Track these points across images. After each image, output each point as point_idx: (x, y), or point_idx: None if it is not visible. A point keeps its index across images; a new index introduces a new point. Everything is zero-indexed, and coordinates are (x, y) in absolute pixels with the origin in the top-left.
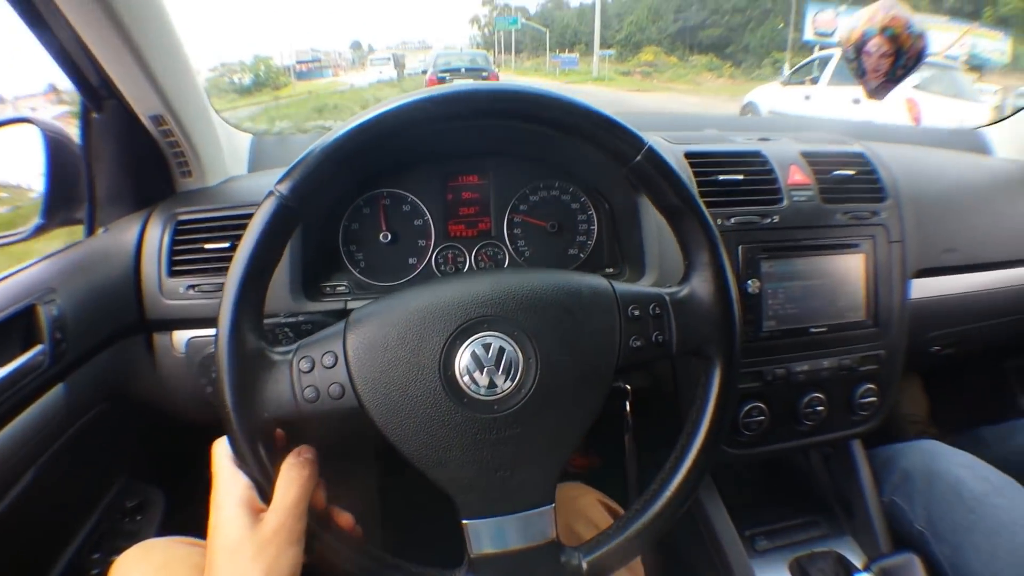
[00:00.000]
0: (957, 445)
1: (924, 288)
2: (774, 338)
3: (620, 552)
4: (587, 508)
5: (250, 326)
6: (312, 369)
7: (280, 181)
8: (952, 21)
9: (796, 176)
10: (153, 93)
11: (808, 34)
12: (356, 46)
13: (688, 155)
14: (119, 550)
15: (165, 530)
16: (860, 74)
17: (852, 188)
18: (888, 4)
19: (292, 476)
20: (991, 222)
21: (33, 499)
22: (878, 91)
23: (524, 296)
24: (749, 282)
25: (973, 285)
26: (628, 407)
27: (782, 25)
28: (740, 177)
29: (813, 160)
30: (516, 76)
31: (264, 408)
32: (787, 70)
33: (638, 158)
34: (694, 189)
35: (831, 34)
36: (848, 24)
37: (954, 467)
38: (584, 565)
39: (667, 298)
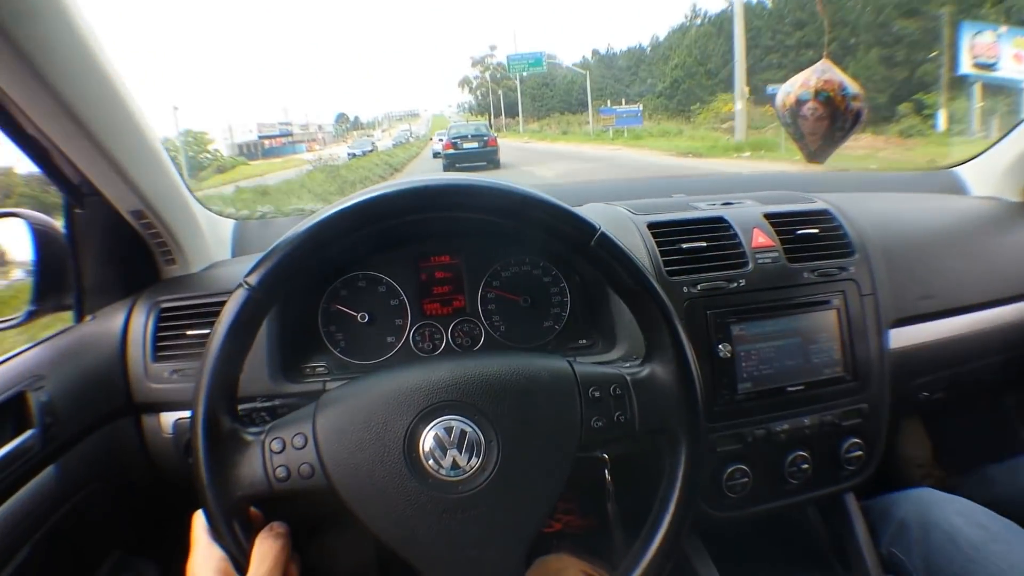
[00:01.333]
0: (965, 486)
1: (904, 337)
2: (751, 399)
3: None
4: None
5: (223, 409)
6: (283, 449)
7: (249, 273)
8: None
9: (760, 239)
10: (130, 191)
11: (965, 66)
12: (341, 119)
13: (651, 225)
14: None
15: None
16: (798, 137)
17: (818, 246)
18: (821, 68)
19: (265, 549)
20: (966, 264)
21: (28, 575)
22: (817, 154)
23: (483, 381)
24: (720, 346)
25: (955, 329)
26: (609, 476)
27: (936, 53)
28: (704, 244)
29: (776, 221)
30: (538, 142)
31: (238, 487)
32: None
33: (591, 244)
34: (649, 271)
35: (994, 65)
36: (784, 90)
37: (950, 515)
38: None
39: (628, 379)
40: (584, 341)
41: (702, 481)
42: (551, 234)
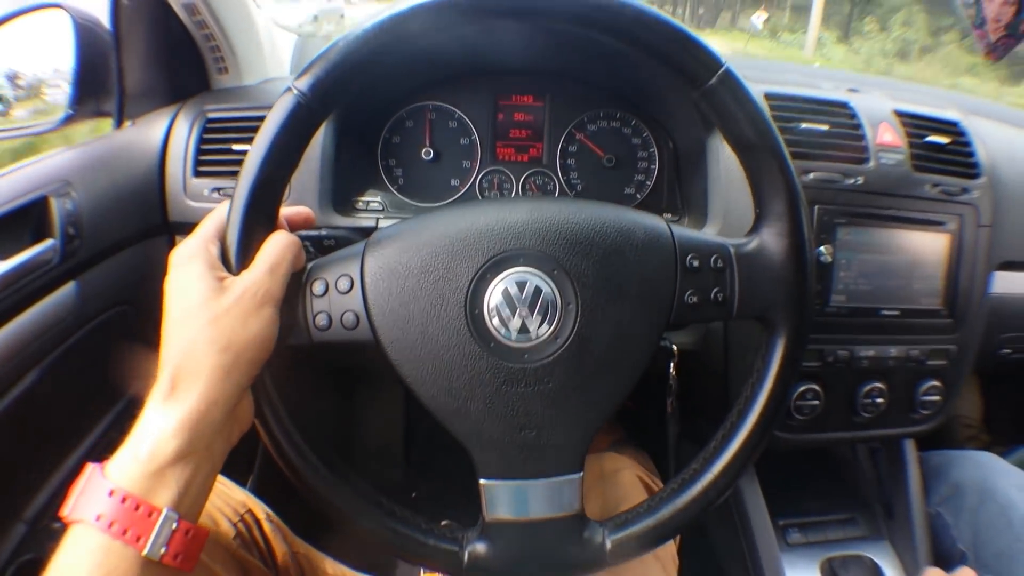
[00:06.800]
0: (1010, 458)
1: (1007, 283)
2: (841, 315)
3: (649, 535)
4: (626, 484)
5: (261, 237)
6: (325, 292)
7: (299, 77)
8: None
9: (886, 136)
10: None
11: None
12: None
13: (769, 96)
14: None
15: None
16: (979, 23)
17: (944, 159)
18: None
19: (275, 240)
20: None
21: (36, 401)
22: (996, 48)
23: (568, 230)
24: (822, 248)
25: None
26: (673, 369)
27: None
28: (824, 128)
29: (906, 120)
30: None
31: None
32: None
33: (712, 81)
34: (774, 125)
35: None
36: None
37: (1008, 488)
38: (608, 544)
39: (732, 250)
40: (669, 216)
41: (791, 387)
42: (666, 62)
